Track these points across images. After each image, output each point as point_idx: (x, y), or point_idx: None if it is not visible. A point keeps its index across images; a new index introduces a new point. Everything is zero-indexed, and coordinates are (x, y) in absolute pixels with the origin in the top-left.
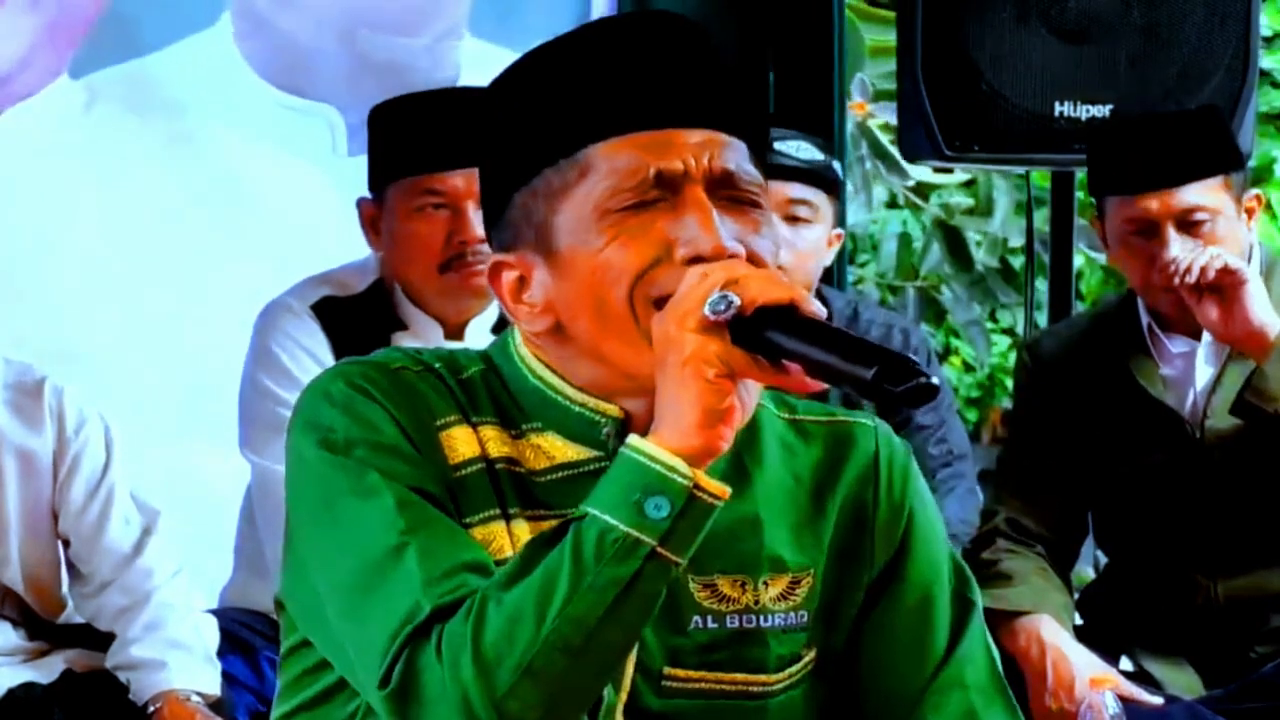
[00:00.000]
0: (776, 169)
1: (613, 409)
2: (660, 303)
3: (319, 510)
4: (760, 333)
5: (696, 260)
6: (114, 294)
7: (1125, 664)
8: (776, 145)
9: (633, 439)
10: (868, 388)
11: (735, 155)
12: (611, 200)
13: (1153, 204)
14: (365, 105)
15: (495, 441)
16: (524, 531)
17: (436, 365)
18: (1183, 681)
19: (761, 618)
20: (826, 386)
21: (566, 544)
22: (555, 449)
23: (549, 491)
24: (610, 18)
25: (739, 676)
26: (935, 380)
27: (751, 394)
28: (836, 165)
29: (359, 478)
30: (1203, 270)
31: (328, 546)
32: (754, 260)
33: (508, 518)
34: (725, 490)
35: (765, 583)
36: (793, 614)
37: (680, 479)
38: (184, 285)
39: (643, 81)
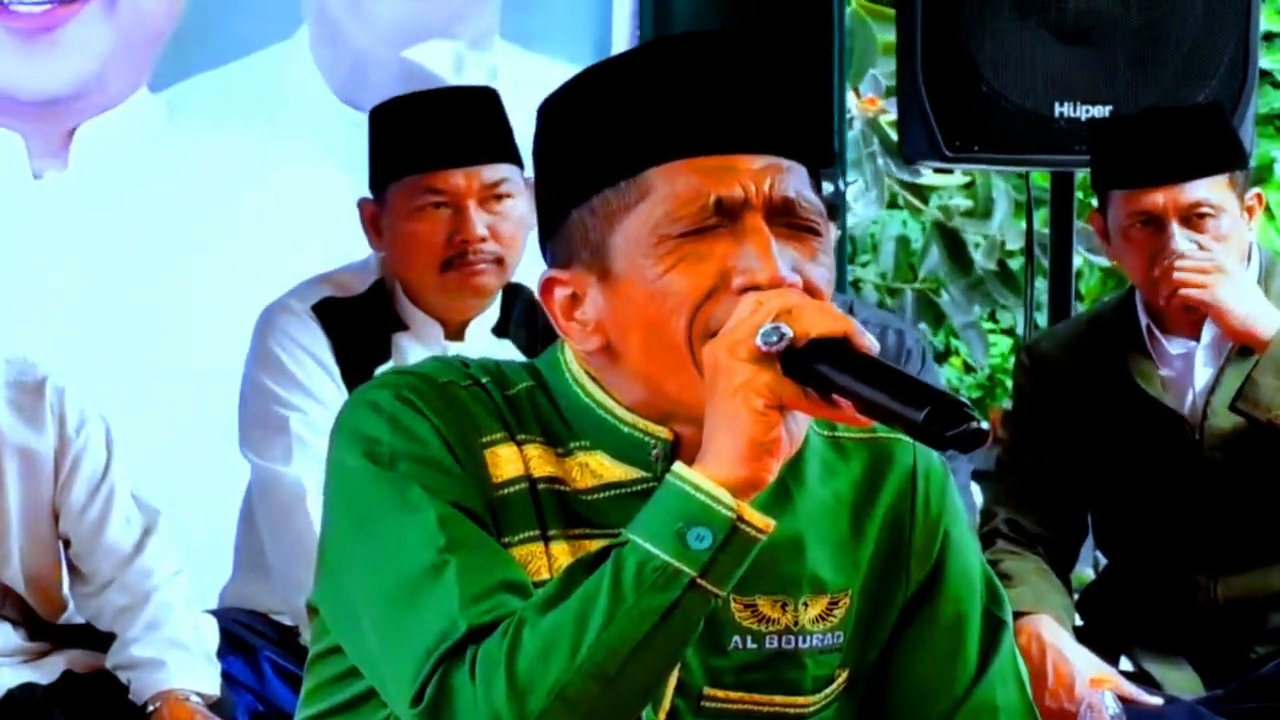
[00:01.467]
0: None
1: (663, 431)
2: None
3: (360, 521)
4: (812, 365)
5: (753, 289)
6: (193, 304)
7: (1125, 664)
8: None
9: (678, 467)
10: (918, 430)
11: (795, 181)
12: (670, 226)
13: (1159, 198)
14: None
15: (540, 460)
16: (563, 552)
17: (484, 380)
18: (1183, 681)
19: (800, 639)
20: (875, 423)
21: (606, 570)
22: (603, 468)
23: (594, 510)
24: (671, 37)
25: (777, 699)
26: (985, 425)
27: (800, 426)
28: (840, 184)
29: (402, 491)
30: (1183, 285)
31: (366, 558)
32: (810, 289)
33: (547, 539)
34: (769, 523)
35: (805, 603)
36: (829, 635)
37: (724, 510)
38: (262, 297)
39: (706, 104)
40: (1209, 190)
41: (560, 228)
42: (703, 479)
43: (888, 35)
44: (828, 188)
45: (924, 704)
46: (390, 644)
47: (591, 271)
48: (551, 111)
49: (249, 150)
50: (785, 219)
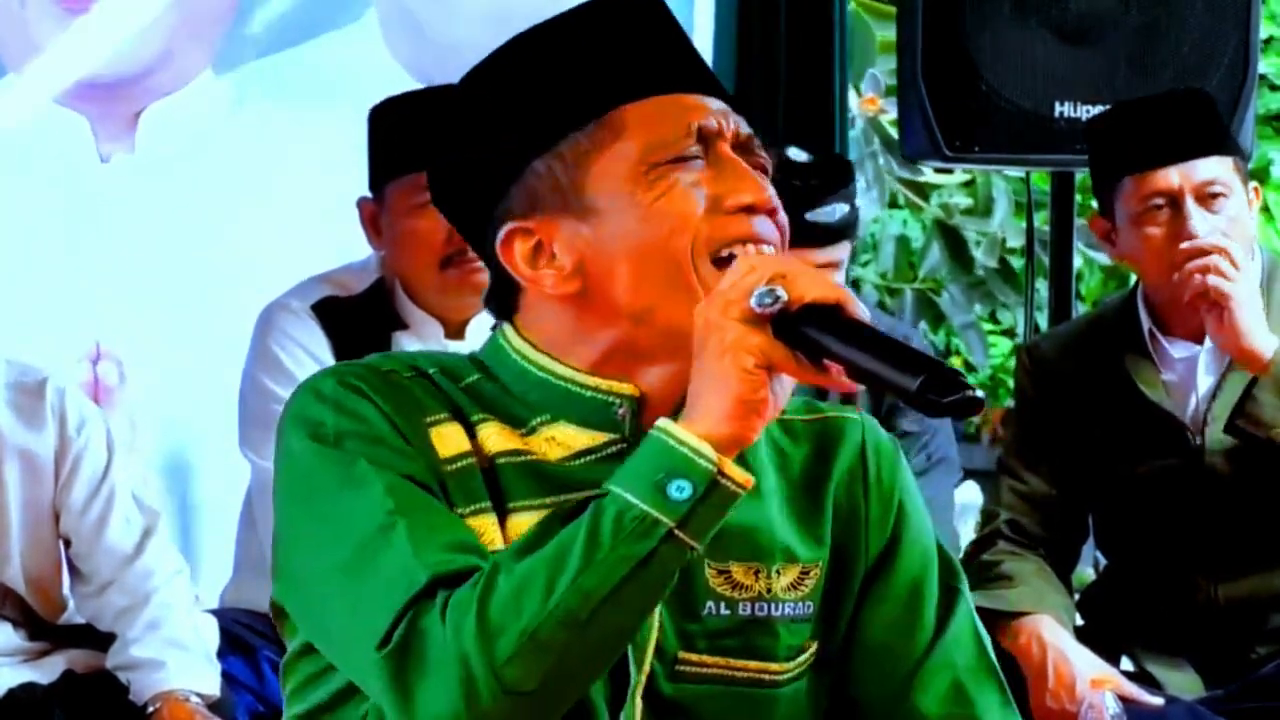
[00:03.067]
0: (812, 231)
1: (627, 387)
2: (720, 262)
3: (308, 501)
4: (804, 330)
5: (749, 210)
6: (258, 288)
7: (1125, 664)
8: (808, 215)
9: (663, 421)
10: (912, 397)
11: (745, 126)
12: (659, 153)
13: (1173, 177)
14: None
15: (499, 437)
16: (533, 521)
17: (431, 370)
18: (1183, 682)
19: (772, 606)
20: (863, 388)
21: (584, 519)
22: (569, 438)
23: (567, 477)
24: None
25: (750, 664)
26: (980, 393)
27: (785, 389)
28: (858, 205)
29: (348, 467)
30: (1205, 270)
31: (318, 534)
32: (779, 225)
33: (505, 511)
34: (749, 479)
35: (778, 571)
36: (801, 604)
37: (705, 463)
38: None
39: (664, 49)
40: (1218, 168)
41: (519, 181)
42: (686, 433)
43: (886, 33)
44: (844, 208)
45: (884, 668)
46: (350, 605)
47: (564, 215)
48: (492, 73)
49: (315, 134)
50: (746, 156)
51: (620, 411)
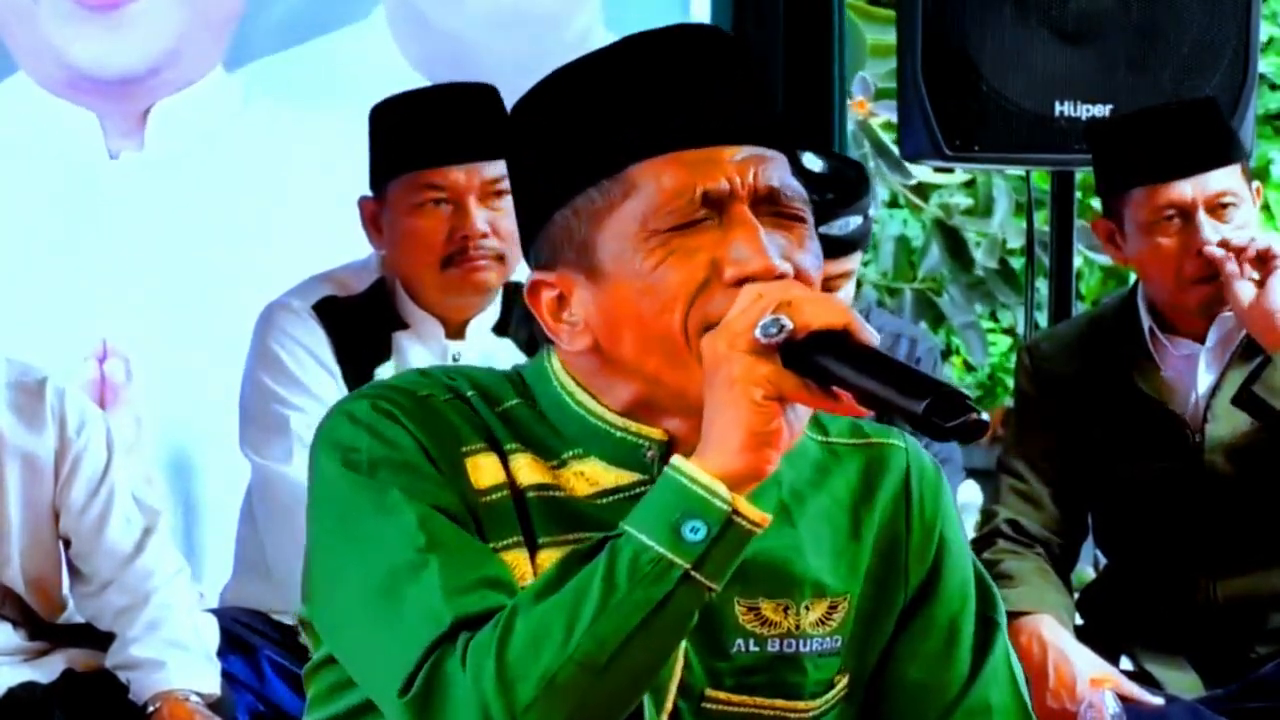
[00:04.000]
0: (827, 244)
1: (656, 432)
2: (712, 328)
3: (340, 527)
4: (812, 357)
5: (746, 281)
6: (267, 285)
7: (1125, 664)
8: (821, 229)
9: (677, 460)
10: (918, 421)
11: (778, 170)
12: (658, 220)
13: (1187, 189)
14: None
15: (530, 470)
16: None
17: (469, 394)
18: (1183, 681)
19: (801, 642)
20: (874, 413)
21: (600, 561)
22: (598, 475)
23: (592, 515)
24: (648, 32)
25: (778, 703)
26: (985, 416)
27: (800, 419)
28: (870, 214)
29: (381, 495)
30: (1246, 248)
31: (348, 562)
32: (801, 277)
33: (535, 546)
34: (765, 518)
35: (806, 607)
36: (829, 639)
37: (719, 503)
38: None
39: (685, 98)
40: (1229, 179)
41: (543, 230)
42: (699, 471)
43: (876, 36)
44: (857, 220)
45: (918, 706)
46: (375, 641)
47: (579, 271)
48: (527, 112)
49: (324, 131)
50: (771, 208)
51: (650, 454)
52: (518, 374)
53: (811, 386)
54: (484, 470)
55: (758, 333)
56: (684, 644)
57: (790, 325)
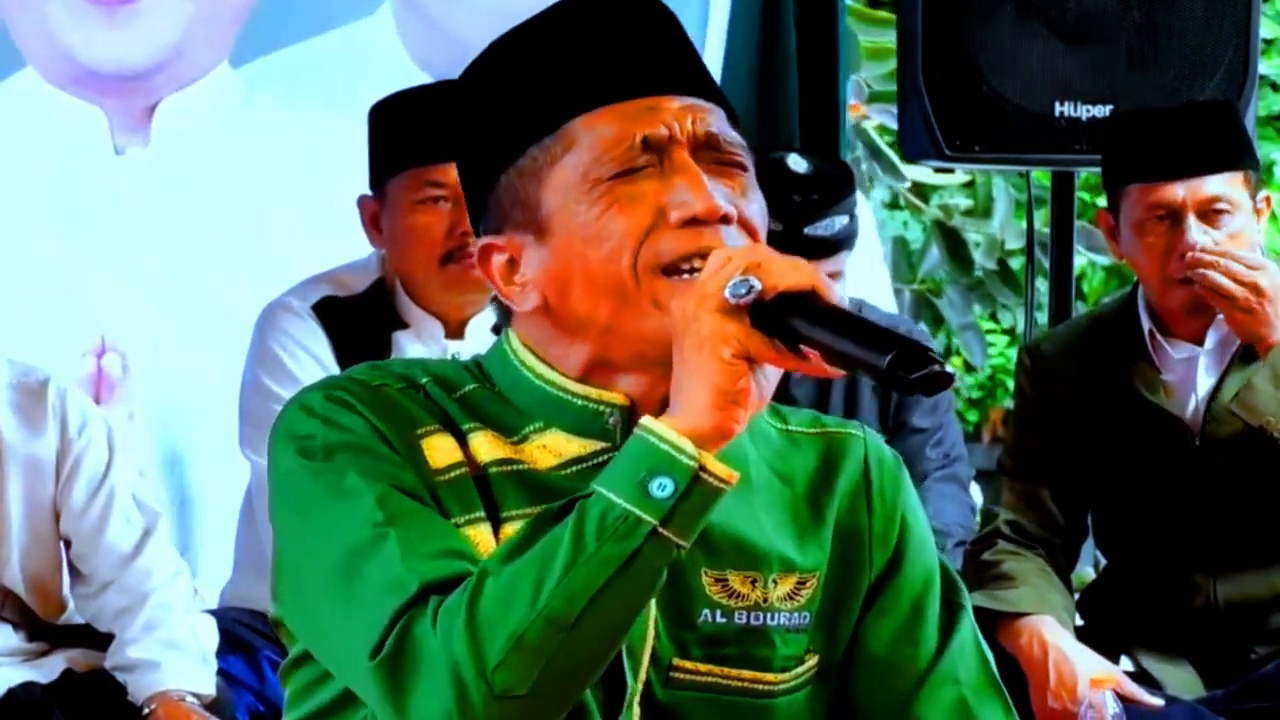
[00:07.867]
0: (810, 244)
1: (616, 396)
2: (667, 269)
3: (300, 515)
4: (780, 318)
5: (692, 222)
6: (271, 281)
7: (1125, 664)
8: (806, 230)
9: (646, 420)
10: (883, 374)
11: (717, 120)
12: (599, 169)
13: (1178, 192)
14: None
15: (490, 446)
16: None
17: (423, 381)
18: (1183, 682)
19: (768, 616)
20: (844, 373)
21: (569, 520)
22: (561, 445)
23: (559, 485)
24: None
25: (745, 673)
26: (949, 369)
27: (770, 381)
28: (856, 214)
29: (338, 480)
30: (1234, 275)
31: (311, 547)
32: (744, 223)
33: (498, 520)
34: (733, 475)
35: (774, 580)
36: (796, 614)
37: (686, 460)
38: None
39: (621, 52)
40: (1226, 186)
41: (490, 196)
42: (667, 430)
43: (874, 39)
44: (843, 219)
45: (886, 683)
46: (341, 619)
47: (526, 231)
48: (469, 81)
49: (329, 128)
50: (712, 154)
51: (611, 420)
52: (475, 363)
53: (779, 346)
54: (439, 450)
55: (727, 293)
56: (654, 613)
57: (759, 286)
